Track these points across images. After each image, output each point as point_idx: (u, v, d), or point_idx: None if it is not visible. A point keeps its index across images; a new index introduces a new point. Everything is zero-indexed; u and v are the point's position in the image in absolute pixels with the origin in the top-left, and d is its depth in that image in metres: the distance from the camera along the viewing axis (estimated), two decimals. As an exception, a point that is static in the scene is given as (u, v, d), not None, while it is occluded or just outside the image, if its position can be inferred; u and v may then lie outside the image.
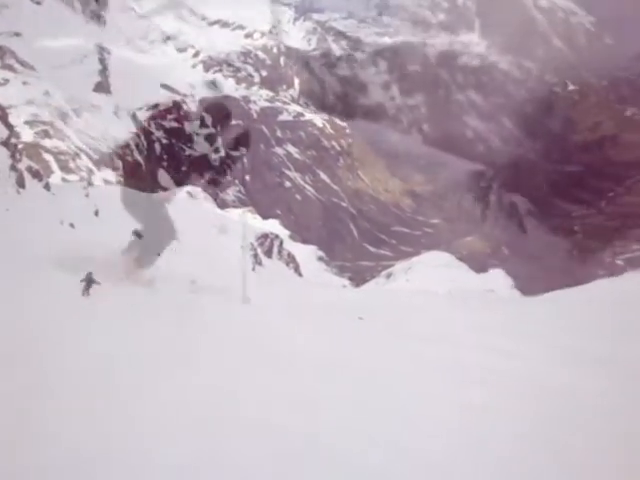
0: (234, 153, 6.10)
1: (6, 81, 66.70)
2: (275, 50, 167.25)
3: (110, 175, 67.28)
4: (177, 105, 5.66)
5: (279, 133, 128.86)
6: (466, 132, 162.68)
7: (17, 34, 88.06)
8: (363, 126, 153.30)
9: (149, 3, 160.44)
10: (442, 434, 2.61)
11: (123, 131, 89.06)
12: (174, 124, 5.64)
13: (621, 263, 79.57)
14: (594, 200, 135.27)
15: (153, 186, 5.85)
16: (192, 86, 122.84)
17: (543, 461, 2.46)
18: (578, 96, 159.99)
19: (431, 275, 46.17)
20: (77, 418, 2.04)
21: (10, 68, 70.37)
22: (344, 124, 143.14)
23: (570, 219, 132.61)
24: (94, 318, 3.49)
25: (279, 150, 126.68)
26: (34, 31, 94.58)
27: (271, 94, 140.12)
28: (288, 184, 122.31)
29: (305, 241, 76.50)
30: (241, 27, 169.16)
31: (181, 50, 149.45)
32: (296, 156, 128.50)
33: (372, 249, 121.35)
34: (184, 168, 5.98)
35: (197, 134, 5.88)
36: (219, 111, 5.73)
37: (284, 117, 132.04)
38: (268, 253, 33.17)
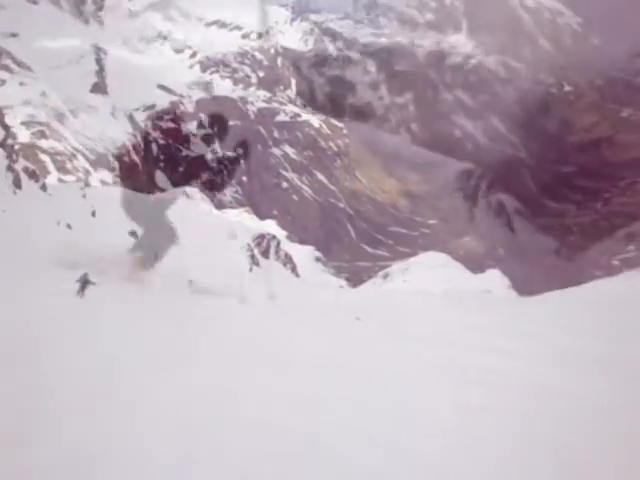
0: (231, 154, 6.10)
1: (3, 82, 66.46)
2: (272, 51, 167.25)
3: (107, 176, 67.23)
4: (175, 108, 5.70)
5: (276, 134, 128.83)
6: (454, 131, 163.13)
7: (14, 35, 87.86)
8: (360, 126, 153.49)
9: (146, 4, 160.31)
10: (439, 434, 2.61)
11: (120, 132, 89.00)
12: (171, 125, 5.63)
13: (617, 263, 79.71)
14: (588, 200, 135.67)
15: (150, 187, 5.85)
16: (189, 87, 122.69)
17: (541, 461, 2.47)
18: (573, 97, 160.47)
19: (428, 275, 46.20)
20: (77, 418, 2.04)
21: (6, 69, 70.13)
22: (341, 124, 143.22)
23: (561, 219, 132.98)
24: (92, 318, 3.49)
25: (276, 151, 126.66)
26: (31, 32, 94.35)
27: (268, 95, 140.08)
28: (285, 185, 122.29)
29: (302, 242, 76.48)
30: (238, 28, 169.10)
31: (178, 51, 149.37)
32: (293, 157, 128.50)
33: (369, 249, 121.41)
34: (181, 169, 5.97)
35: (194, 135, 5.89)
36: (219, 121, 5.79)
37: (281, 118, 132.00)
38: (265, 254, 33.14)
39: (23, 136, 57.94)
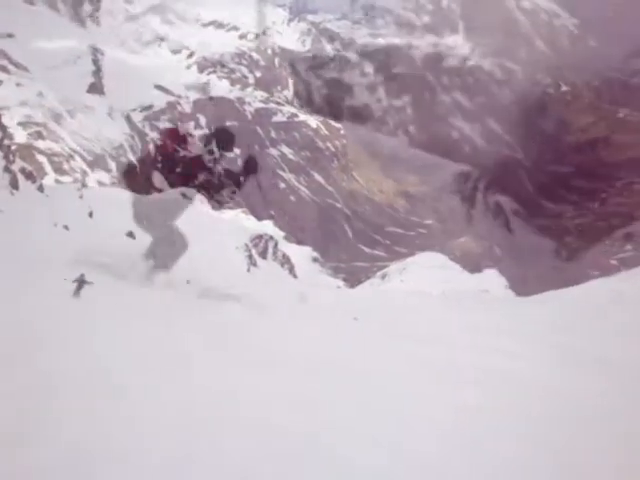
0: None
1: (-1, 82, 66.36)
2: (269, 51, 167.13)
3: (104, 177, 67.10)
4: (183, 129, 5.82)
5: (273, 134, 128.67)
6: (452, 133, 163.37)
7: (10, 35, 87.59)
8: (358, 128, 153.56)
9: (143, 4, 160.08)
10: (437, 434, 2.62)
11: (117, 132, 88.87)
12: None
13: (615, 263, 79.91)
14: (584, 201, 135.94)
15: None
16: (186, 87, 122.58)
17: (540, 461, 2.48)
18: (570, 97, 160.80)
19: (425, 276, 46.27)
20: (77, 418, 2.04)
21: (3, 69, 69.99)
22: (338, 125, 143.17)
23: (559, 219, 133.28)
24: (92, 319, 3.49)
25: (273, 151, 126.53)
26: (27, 32, 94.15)
27: (265, 95, 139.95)
28: (282, 185, 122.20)
29: (300, 242, 76.39)
30: (235, 28, 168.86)
31: (175, 51, 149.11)
32: (290, 157, 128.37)
33: (367, 250, 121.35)
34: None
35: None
36: (225, 135, 5.85)
37: (278, 118, 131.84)
38: (263, 254, 33.16)
39: (20, 137, 57.82)
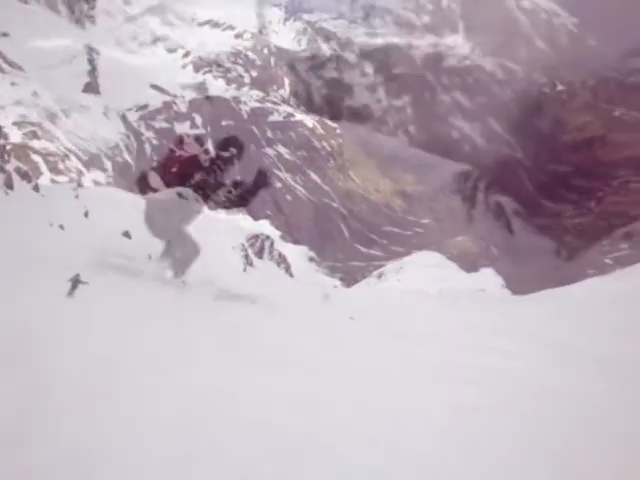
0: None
1: (-6, 82, 66.22)
2: (265, 51, 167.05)
3: (100, 176, 66.96)
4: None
5: (269, 134, 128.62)
6: (452, 133, 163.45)
7: (5, 34, 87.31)
8: (355, 127, 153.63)
9: (139, 4, 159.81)
10: (433, 434, 2.62)
11: (112, 132, 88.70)
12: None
13: (610, 262, 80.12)
14: (582, 200, 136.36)
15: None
16: (182, 87, 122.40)
17: (537, 461, 2.48)
18: (566, 96, 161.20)
19: (422, 275, 46.33)
20: (77, 418, 2.04)
21: (-2, 69, 69.84)
22: (335, 125, 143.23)
23: (558, 219, 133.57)
24: (91, 319, 3.48)
25: (269, 151, 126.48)
26: (22, 31, 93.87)
27: (261, 95, 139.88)
28: (279, 185, 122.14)
29: (296, 242, 76.49)
30: (231, 27, 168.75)
31: (171, 51, 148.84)
32: (287, 157, 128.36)
33: (363, 249, 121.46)
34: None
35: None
36: (234, 144, 5.89)
37: (274, 118, 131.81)
38: (259, 254, 33.13)
39: (15, 136, 57.70)
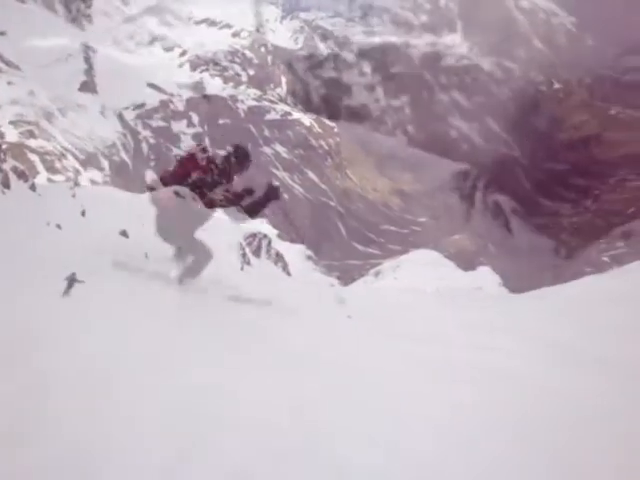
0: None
1: (-10, 81, 66.05)
2: (262, 49, 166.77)
3: (97, 175, 66.81)
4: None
5: (267, 132, 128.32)
6: (450, 132, 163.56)
7: (1, 33, 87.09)
8: (353, 127, 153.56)
9: (136, 3, 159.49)
10: (433, 433, 2.61)
11: (109, 131, 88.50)
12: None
13: (607, 260, 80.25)
14: (579, 199, 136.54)
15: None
16: (179, 85, 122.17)
17: (535, 460, 2.47)
18: (563, 94, 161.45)
19: (419, 273, 46.33)
20: (77, 418, 2.03)
21: (-6, 67, 69.68)
22: (332, 123, 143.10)
23: (555, 217, 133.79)
24: (90, 319, 3.47)
25: (267, 149, 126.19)
26: (19, 30, 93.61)
27: (259, 93, 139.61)
28: (276, 183, 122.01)
29: (293, 240, 76.42)
30: (228, 26, 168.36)
31: (168, 49, 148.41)
32: (284, 155, 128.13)
33: (360, 248, 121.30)
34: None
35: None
36: (241, 154, 5.94)
37: (272, 116, 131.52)
38: (256, 252, 33.10)
39: (11, 135, 57.58)
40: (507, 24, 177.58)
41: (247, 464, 1.96)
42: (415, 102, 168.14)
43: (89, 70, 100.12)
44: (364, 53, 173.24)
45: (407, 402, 3.05)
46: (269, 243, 35.41)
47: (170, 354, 3.01)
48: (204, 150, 6.12)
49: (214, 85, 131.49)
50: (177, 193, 5.81)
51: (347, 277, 66.73)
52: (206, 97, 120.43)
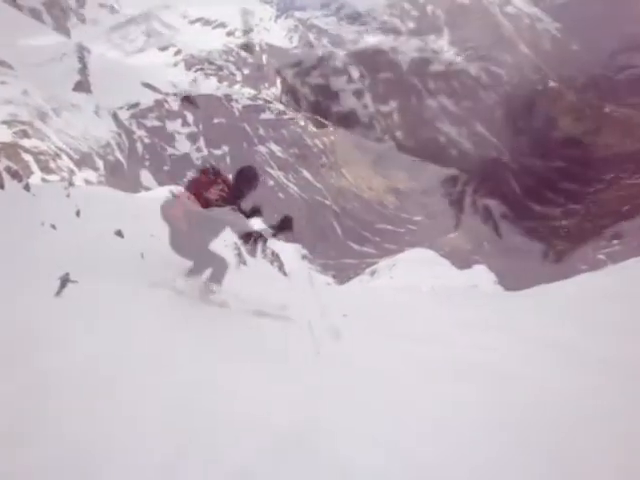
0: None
1: (-17, 80, 65.77)
2: (257, 48, 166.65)
3: (91, 175, 66.58)
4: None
5: (261, 131, 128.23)
6: (439, 137, 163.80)
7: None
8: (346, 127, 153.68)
9: (129, 1, 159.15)
10: (432, 432, 2.61)
11: (104, 130, 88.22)
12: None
13: (603, 257, 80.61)
14: (572, 196, 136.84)
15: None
16: (174, 85, 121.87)
17: (532, 459, 2.48)
18: (556, 94, 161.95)
19: (415, 272, 46.27)
20: (77, 418, 2.02)
21: (-13, 67, 69.39)
22: (327, 122, 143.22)
23: (547, 221, 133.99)
24: (89, 319, 3.46)
25: (262, 148, 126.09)
26: (12, 29, 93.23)
27: (253, 92, 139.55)
28: (271, 182, 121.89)
29: (289, 239, 76.36)
30: (223, 25, 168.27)
31: (162, 49, 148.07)
32: (279, 154, 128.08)
33: (356, 247, 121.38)
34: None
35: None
36: (249, 174, 5.97)
37: (266, 115, 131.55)
38: (252, 252, 33.04)
39: (5, 135, 57.36)
40: (493, 30, 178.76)
41: (247, 463, 1.95)
42: (404, 108, 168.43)
43: (83, 69, 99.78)
44: (354, 55, 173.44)
45: (405, 401, 3.05)
46: (265, 243, 35.34)
47: (170, 353, 3.01)
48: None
49: (209, 84, 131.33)
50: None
51: (343, 276, 66.78)
52: (201, 96, 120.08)
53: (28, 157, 55.20)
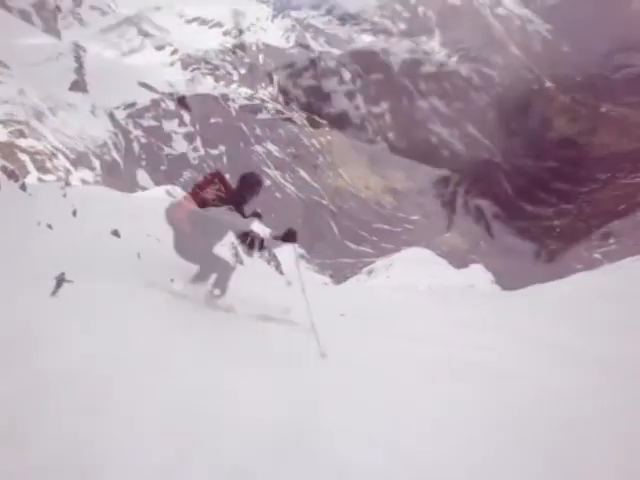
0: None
1: (-21, 80, 65.54)
2: (254, 48, 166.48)
3: (88, 175, 66.45)
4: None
5: (258, 131, 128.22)
6: (431, 138, 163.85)
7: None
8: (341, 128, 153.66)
9: (126, 0, 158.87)
10: (432, 432, 2.62)
11: (100, 130, 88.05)
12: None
13: (599, 257, 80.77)
14: (565, 196, 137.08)
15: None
16: (170, 84, 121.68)
17: (532, 459, 2.48)
18: (552, 94, 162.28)
19: (412, 271, 46.29)
20: (77, 418, 2.02)
21: (-17, 66, 69.15)
22: (324, 122, 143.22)
23: (537, 221, 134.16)
24: (89, 319, 3.46)
25: (258, 148, 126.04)
26: (8, 28, 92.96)
27: (250, 92, 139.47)
28: (268, 182, 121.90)
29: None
30: (219, 25, 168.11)
31: (159, 48, 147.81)
32: (276, 154, 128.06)
33: (353, 246, 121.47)
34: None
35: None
36: (252, 180, 5.99)
37: (263, 115, 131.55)
38: (249, 252, 33.03)
39: (1, 135, 57.23)
40: (484, 31, 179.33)
41: (247, 464, 1.96)
42: (395, 109, 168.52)
43: (79, 69, 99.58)
44: (344, 58, 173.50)
45: (403, 400, 3.06)
46: (262, 242, 35.31)
47: (169, 354, 3.01)
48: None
49: (205, 84, 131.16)
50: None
51: (340, 275, 66.83)
52: (197, 96, 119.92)
53: (24, 157, 55.06)
